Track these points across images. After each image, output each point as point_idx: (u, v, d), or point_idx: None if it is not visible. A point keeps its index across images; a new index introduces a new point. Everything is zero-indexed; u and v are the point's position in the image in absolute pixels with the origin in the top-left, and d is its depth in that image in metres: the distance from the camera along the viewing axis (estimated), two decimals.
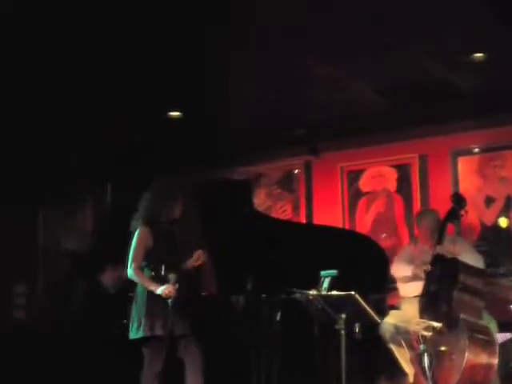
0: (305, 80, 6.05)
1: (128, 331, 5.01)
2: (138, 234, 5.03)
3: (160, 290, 4.85)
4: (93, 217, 8.11)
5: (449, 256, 5.23)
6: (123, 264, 5.09)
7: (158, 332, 4.85)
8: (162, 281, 4.92)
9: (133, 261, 4.99)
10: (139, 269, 4.99)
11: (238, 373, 5.71)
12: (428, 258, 5.31)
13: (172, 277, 4.88)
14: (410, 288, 5.60)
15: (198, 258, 5.07)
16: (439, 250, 5.23)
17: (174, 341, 4.95)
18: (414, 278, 5.55)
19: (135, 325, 4.94)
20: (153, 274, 4.98)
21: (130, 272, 4.98)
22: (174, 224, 5.12)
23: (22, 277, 7.79)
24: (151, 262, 5.01)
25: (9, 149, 7.01)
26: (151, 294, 4.91)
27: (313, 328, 5.73)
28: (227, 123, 7.10)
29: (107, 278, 6.60)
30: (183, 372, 5.03)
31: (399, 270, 5.76)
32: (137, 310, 4.97)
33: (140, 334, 4.90)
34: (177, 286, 4.85)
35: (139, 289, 5.03)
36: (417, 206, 7.15)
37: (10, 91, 5.96)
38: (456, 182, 7.00)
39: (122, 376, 5.67)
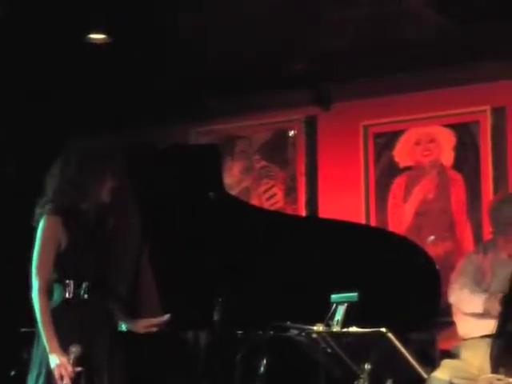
0: None
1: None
2: (45, 228, 5.01)
3: (53, 362, 4.82)
4: None
5: None
6: None
7: None
8: (77, 307, 4.96)
9: (37, 273, 4.95)
10: (47, 289, 4.95)
11: None
12: (508, 274, 5.39)
13: (75, 351, 4.82)
14: (475, 325, 5.70)
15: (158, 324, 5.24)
16: None
17: None
18: (486, 312, 5.64)
19: (34, 373, 4.95)
20: (67, 295, 4.99)
21: (35, 292, 4.93)
22: (101, 213, 5.12)
23: None
24: (65, 272, 4.99)
25: None
26: (60, 325, 4.89)
27: None
28: (181, 51, 7.11)
29: None
30: None
31: (461, 297, 5.84)
32: (38, 353, 4.95)
33: None
34: (78, 369, 4.80)
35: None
36: (487, 189, 7.25)
37: None
38: None
39: None
